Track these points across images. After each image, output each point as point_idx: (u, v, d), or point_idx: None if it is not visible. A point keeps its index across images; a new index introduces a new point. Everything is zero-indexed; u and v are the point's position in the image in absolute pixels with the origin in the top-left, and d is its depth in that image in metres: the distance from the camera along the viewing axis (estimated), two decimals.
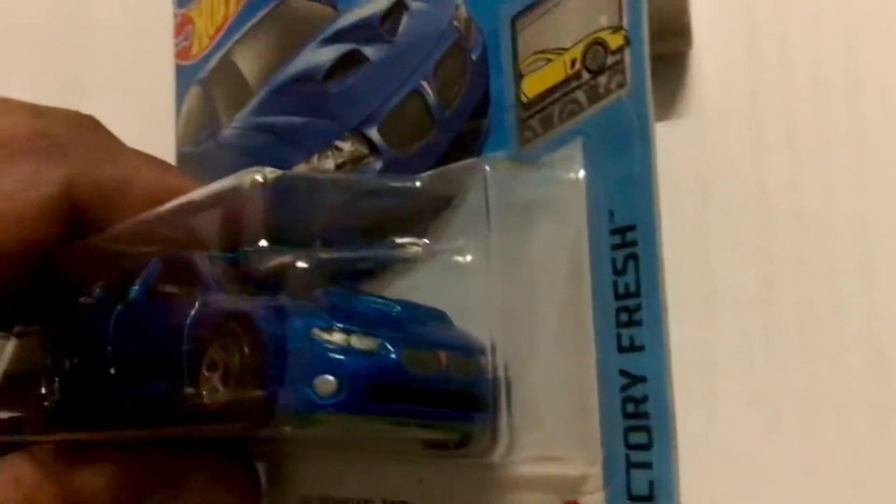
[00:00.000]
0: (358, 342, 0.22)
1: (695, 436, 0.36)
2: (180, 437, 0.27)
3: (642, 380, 0.23)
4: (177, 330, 0.25)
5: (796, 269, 0.37)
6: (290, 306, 0.22)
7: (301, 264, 0.22)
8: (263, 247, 0.22)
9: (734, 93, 0.39)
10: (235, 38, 0.42)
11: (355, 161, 0.34)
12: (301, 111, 0.37)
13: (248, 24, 0.41)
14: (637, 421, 0.23)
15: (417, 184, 0.24)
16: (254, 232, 0.22)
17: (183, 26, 0.46)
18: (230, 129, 0.40)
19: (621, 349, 0.23)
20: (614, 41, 0.25)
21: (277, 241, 0.22)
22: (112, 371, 0.28)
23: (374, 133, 0.33)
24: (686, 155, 0.39)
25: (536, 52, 0.27)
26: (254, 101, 0.40)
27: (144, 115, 0.47)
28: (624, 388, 0.23)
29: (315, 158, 0.36)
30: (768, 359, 0.36)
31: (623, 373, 0.23)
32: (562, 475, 0.24)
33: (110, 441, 0.27)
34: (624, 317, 0.23)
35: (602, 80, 0.25)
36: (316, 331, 0.22)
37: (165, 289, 0.28)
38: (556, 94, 0.26)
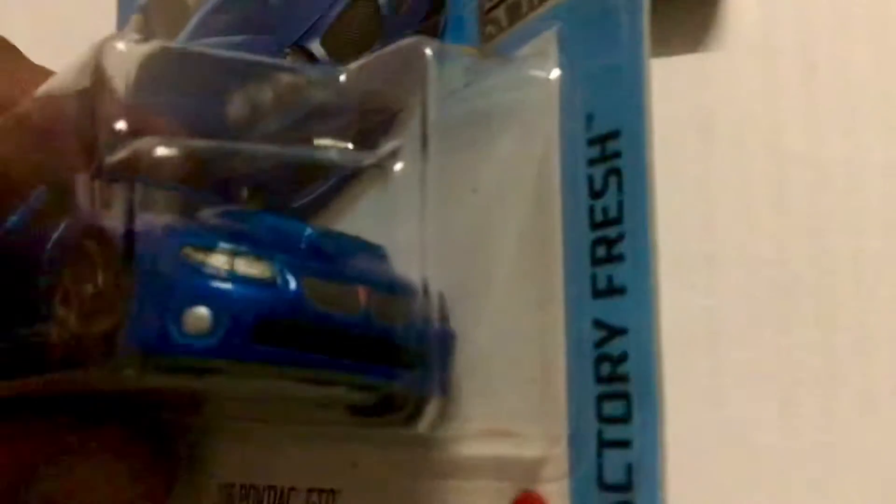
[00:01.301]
0: (246, 266, 0.17)
1: (695, 420, 0.32)
2: (81, 401, 0.22)
3: (622, 332, 0.17)
4: (37, 259, 0.20)
5: (813, 226, 0.32)
6: (164, 222, 0.17)
7: (162, 151, 0.17)
8: (118, 130, 0.17)
9: (742, 23, 0.33)
10: None
11: (294, 90, 0.29)
12: (240, 28, 0.32)
13: None
14: (613, 386, 0.17)
15: (342, 77, 0.19)
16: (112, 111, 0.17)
17: None
18: None
19: (597, 293, 0.18)
20: None
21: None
22: None
23: (316, 46, 0.27)
24: (686, 94, 0.33)
25: None
26: (192, 23, 0.34)
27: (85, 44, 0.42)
28: (598, 344, 0.17)
29: (252, 87, 0.31)
30: (780, 332, 0.31)
31: (598, 323, 0.18)
32: (516, 457, 0.19)
33: None
34: (601, 251, 0.18)
35: None
36: (189, 250, 0.16)
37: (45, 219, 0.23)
38: None
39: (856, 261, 0.31)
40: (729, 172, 0.32)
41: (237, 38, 0.32)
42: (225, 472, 0.26)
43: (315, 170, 0.24)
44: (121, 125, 0.17)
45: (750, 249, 0.32)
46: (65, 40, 0.44)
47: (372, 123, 0.20)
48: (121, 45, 0.17)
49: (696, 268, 0.32)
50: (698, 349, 0.32)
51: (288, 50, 0.29)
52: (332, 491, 0.23)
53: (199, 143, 0.18)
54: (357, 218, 0.22)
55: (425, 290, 0.18)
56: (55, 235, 0.20)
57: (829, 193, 0.32)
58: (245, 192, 0.24)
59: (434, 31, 0.23)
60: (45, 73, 0.28)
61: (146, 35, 0.38)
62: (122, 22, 0.39)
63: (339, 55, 0.27)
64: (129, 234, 0.16)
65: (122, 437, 0.24)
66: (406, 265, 0.20)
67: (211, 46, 0.31)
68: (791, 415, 0.31)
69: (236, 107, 0.26)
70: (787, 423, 0.31)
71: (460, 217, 0.20)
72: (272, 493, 0.24)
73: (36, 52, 0.29)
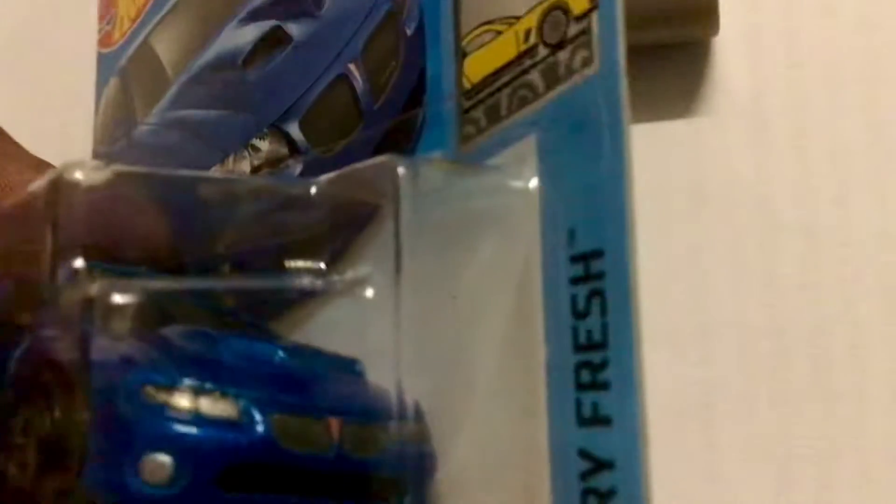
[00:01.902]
0: (210, 406, 0.16)
1: (691, 496, 0.31)
2: None
3: (608, 465, 0.16)
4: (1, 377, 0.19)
5: (807, 296, 0.31)
6: (127, 355, 0.16)
7: (117, 299, 0.16)
8: (79, 267, 0.16)
9: (732, 87, 0.33)
10: (155, 19, 0.36)
11: (273, 164, 0.28)
12: (218, 103, 0.31)
13: (169, 1, 0.35)
14: None
15: (312, 189, 0.18)
16: (69, 241, 0.16)
17: (108, 8, 0.40)
18: (144, 125, 0.34)
19: (582, 420, 0.17)
20: (579, 5, 0.18)
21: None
22: None
23: (294, 129, 0.27)
24: (676, 160, 0.33)
25: (483, 24, 0.21)
26: (170, 93, 0.34)
27: (63, 111, 0.41)
28: (585, 476, 0.17)
29: (230, 160, 0.30)
30: (776, 404, 0.30)
31: (584, 454, 0.17)
32: None
33: None
34: (586, 376, 0.17)
35: (562, 56, 0.19)
36: (150, 389, 0.16)
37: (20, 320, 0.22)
38: (506, 77, 0.20)
39: (851, 331, 0.31)
40: (720, 239, 0.32)
41: (213, 115, 0.31)
42: None
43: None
44: (78, 263, 0.16)
45: (743, 318, 0.31)
46: (46, 100, 0.43)
47: (341, 235, 0.19)
48: (78, 175, 0.16)
49: (689, 339, 0.31)
50: (692, 422, 0.31)
51: (266, 130, 0.28)
52: None
53: (159, 284, 0.17)
54: (331, 326, 0.21)
55: (401, 416, 0.17)
56: (17, 353, 0.19)
57: (822, 263, 0.31)
58: (226, 268, 0.23)
59: (412, 125, 0.22)
60: (14, 156, 0.27)
61: (123, 102, 0.37)
62: (100, 84, 0.39)
63: (318, 140, 0.26)
64: (94, 372, 0.15)
65: None
66: (383, 376, 0.19)
67: (194, 122, 0.31)
68: (788, 489, 0.30)
69: (210, 186, 0.25)
70: (785, 498, 0.30)
71: (439, 324, 0.19)
72: None
73: (17, 117, 0.28)
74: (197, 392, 0.16)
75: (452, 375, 0.19)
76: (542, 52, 0.19)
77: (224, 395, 0.16)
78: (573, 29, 0.18)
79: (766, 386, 0.31)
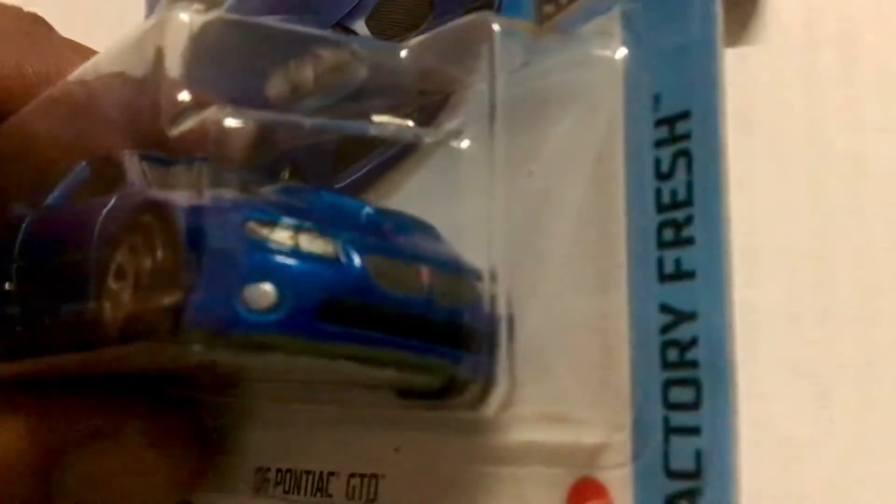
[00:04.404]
0: (310, 243, 0.16)
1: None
2: (109, 377, 0.22)
3: (691, 317, 0.17)
4: (87, 231, 0.19)
5: (853, 221, 0.31)
6: (225, 197, 0.17)
7: (231, 122, 0.16)
8: (184, 101, 0.16)
9: (782, 14, 0.33)
10: None
11: (337, 70, 0.28)
12: (280, 8, 0.31)
13: None
14: (682, 372, 0.17)
15: (403, 53, 0.18)
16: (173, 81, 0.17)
17: None
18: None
19: (663, 277, 0.17)
20: None
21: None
22: (19, 292, 0.22)
23: (360, 27, 0.27)
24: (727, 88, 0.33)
25: None
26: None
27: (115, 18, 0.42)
28: (665, 329, 0.17)
29: (291, 68, 0.30)
30: (819, 326, 0.31)
31: (665, 308, 0.17)
32: (573, 443, 0.18)
33: (23, 379, 0.22)
34: (668, 234, 0.17)
35: None
36: (253, 224, 0.16)
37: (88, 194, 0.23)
38: None
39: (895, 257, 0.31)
40: (769, 166, 0.32)
41: (275, 18, 0.31)
42: (260, 456, 0.26)
43: (357, 150, 0.24)
44: (184, 96, 0.16)
45: (789, 243, 0.31)
46: (95, 16, 0.44)
47: (429, 101, 0.19)
48: (184, 16, 0.17)
49: (734, 260, 0.32)
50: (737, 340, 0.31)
51: (331, 30, 0.28)
52: (375, 476, 0.22)
53: (265, 116, 0.17)
54: (403, 198, 0.22)
55: (493, 274, 0.18)
56: (104, 210, 0.19)
57: (869, 188, 0.31)
58: (285, 174, 0.23)
59: (489, 8, 0.23)
60: (77, 49, 0.28)
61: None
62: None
63: (385, 36, 0.26)
64: (197, 209, 0.16)
65: (154, 421, 0.24)
66: (461, 245, 0.19)
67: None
68: (828, 408, 0.30)
69: (276, 86, 0.25)
70: (824, 417, 0.30)
71: (515, 200, 0.20)
72: (310, 478, 0.24)
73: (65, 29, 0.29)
74: (297, 229, 0.16)
75: (529, 247, 0.19)
76: None
77: (322, 233, 0.16)
78: None
79: (808, 308, 0.31)
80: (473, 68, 0.18)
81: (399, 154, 0.22)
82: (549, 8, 0.21)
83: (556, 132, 0.20)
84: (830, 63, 0.33)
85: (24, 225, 0.23)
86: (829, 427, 0.30)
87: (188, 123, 0.16)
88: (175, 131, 0.16)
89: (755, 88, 0.33)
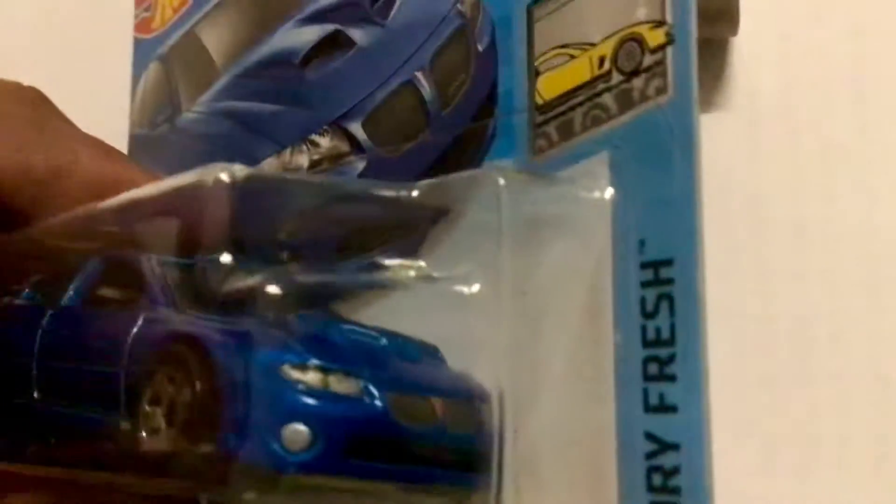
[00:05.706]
0: (337, 384, 0.18)
1: None
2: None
3: (673, 447, 0.19)
4: (115, 348, 0.21)
5: (795, 285, 0.33)
6: (255, 334, 0.18)
7: (273, 290, 0.18)
8: (226, 262, 0.18)
9: (728, 91, 0.35)
10: (203, 10, 0.37)
11: (333, 159, 0.30)
12: (272, 98, 0.33)
13: None
14: (665, 497, 0.19)
15: (414, 193, 0.20)
16: (214, 238, 0.18)
17: None
18: (191, 112, 0.36)
19: (648, 408, 0.19)
20: (654, 38, 0.21)
21: (239, 249, 0.18)
22: (36, 390, 0.23)
23: (357, 128, 0.29)
24: None
25: (557, 47, 0.23)
26: (219, 83, 0.35)
27: (97, 92, 0.42)
28: (650, 456, 0.19)
29: (287, 153, 0.32)
30: (763, 385, 0.33)
31: (650, 436, 0.19)
32: None
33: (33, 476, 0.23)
34: (653, 368, 0.19)
35: (637, 83, 0.21)
36: (287, 368, 0.18)
37: (105, 294, 0.24)
38: (580, 98, 0.22)
39: (835, 319, 0.32)
40: (716, 234, 0.34)
41: (269, 108, 0.33)
42: None
43: (357, 244, 0.26)
44: (226, 259, 0.18)
45: (735, 307, 0.33)
46: (78, 90, 0.45)
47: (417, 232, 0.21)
48: (224, 176, 0.18)
49: None
50: None
51: (326, 128, 0.30)
52: None
53: (307, 278, 0.19)
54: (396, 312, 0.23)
55: (501, 398, 0.19)
56: (133, 330, 0.21)
57: (810, 254, 0.33)
58: (284, 255, 0.25)
59: (483, 134, 0.24)
60: (83, 139, 0.28)
61: (166, 87, 0.39)
62: (137, 70, 0.40)
63: (382, 140, 0.28)
64: (233, 349, 0.17)
65: None
66: (474, 367, 0.21)
67: (247, 114, 0.32)
68: (772, 464, 0.32)
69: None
70: (768, 472, 0.32)
71: (508, 317, 0.22)
72: None
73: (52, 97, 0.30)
74: (325, 371, 0.18)
75: (524, 364, 0.21)
76: (617, 77, 0.21)
77: (347, 373, 0.18)
78: (648, 59, 0.21)
79: (753, 369, 0.33)
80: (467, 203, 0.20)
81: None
82: (541, 143, 0.23)
83: (549, 258, 0.22)
84: (773, 133, 0.35)
85: (42, 321, 0.24)
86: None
87: (238, 286, 0.18)
88: (223, 287, 0.18)
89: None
